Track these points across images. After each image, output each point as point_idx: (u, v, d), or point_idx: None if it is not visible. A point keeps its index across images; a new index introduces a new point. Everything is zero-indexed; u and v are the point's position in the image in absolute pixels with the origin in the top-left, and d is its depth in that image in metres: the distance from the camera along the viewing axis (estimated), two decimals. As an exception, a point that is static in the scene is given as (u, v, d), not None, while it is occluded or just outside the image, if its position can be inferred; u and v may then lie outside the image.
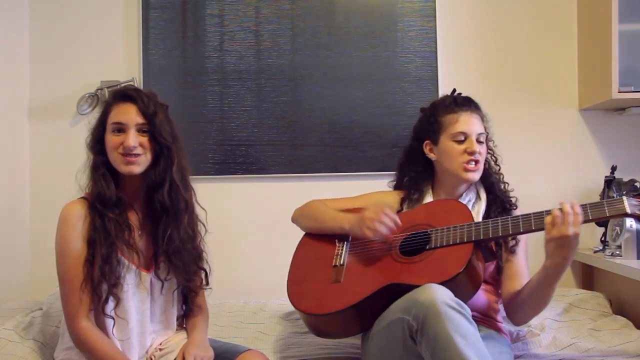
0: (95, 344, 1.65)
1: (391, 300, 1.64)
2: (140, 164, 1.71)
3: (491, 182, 2.01)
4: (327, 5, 2.79)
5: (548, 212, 1.66)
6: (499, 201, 1.97)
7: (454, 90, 2.06)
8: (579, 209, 1.63)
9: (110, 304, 1.68)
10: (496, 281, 1.94)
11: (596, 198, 2.64)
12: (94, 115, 2.73)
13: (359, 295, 1.72)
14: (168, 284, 1.80)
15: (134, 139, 1.69)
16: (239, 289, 2.66)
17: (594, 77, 2.62)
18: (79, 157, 1.79)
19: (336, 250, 1.92)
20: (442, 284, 1.59)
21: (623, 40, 2.42)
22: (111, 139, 1.71)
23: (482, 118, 2.00)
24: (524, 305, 1.81)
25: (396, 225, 1.80)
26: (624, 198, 1.63)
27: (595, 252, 2.50)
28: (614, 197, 2.50)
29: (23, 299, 2.68)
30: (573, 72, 2.78)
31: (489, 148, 2.02)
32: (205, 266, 1.87)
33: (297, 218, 2.09)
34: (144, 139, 1.72)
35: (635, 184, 2.54)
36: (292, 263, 1.99)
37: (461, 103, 1.98)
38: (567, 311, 2.34)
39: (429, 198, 1.98)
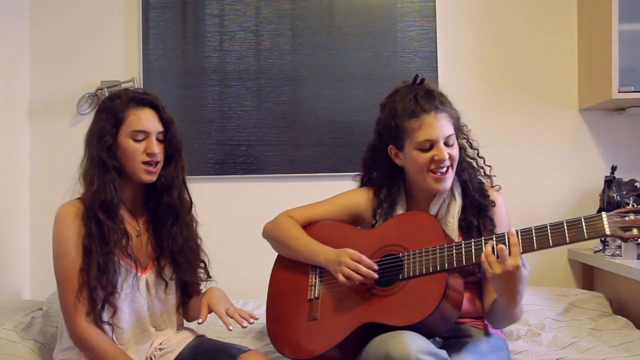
0: (95, 342, 1.66)
1: (369, 336, 1.61)
2: (157, 171, 1.74)
3: (464, 180, 1.84)
4: (327, 5, 2.79)
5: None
6: (475, 202, 1.82)
7: (416, 78, 1.87)
8: (515, 240, 1.54)
9: (106, 312, 1.68)
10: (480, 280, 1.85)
11: (596, 198, 2.64)
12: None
13: (337, 336, 1.70)
14: (168, 283, 1.80)
15: (157, 145, 1.72)
16: (238, 289, 2.65)
17: (594, 77, 2.62)
18: (79, 157, 1.79)
19: (310, 280, 1.87)
20: (417, 324, 1.57)
21: (623, 40, 2.42)
22: (131, 146, 1.70)
23: (450, 113, 1.80)
24: (496, 319, 1.77)
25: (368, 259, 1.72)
26: (603, 214, 1.48)
27: (595, 252, 2.50)
28: (614, 197, 2.50)
29: (23, 299, 2.69)
30: (573, 72, 2.78)
31: (463, 133, 1.86)
32: (204, 258, 1.88)
33: (268, 238, 1.99)
34: (161, 146, 1.75)
35: (635, 184, 2.54)
36: (268, 293, 1.95)
37: (424, 103, 1.77)
38: (568, 311, 2.34)
39: (401, 207, 1.86)
